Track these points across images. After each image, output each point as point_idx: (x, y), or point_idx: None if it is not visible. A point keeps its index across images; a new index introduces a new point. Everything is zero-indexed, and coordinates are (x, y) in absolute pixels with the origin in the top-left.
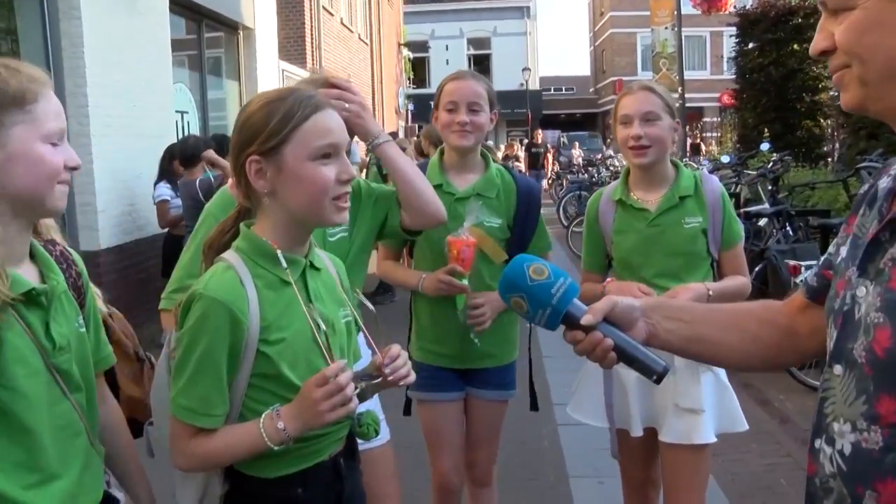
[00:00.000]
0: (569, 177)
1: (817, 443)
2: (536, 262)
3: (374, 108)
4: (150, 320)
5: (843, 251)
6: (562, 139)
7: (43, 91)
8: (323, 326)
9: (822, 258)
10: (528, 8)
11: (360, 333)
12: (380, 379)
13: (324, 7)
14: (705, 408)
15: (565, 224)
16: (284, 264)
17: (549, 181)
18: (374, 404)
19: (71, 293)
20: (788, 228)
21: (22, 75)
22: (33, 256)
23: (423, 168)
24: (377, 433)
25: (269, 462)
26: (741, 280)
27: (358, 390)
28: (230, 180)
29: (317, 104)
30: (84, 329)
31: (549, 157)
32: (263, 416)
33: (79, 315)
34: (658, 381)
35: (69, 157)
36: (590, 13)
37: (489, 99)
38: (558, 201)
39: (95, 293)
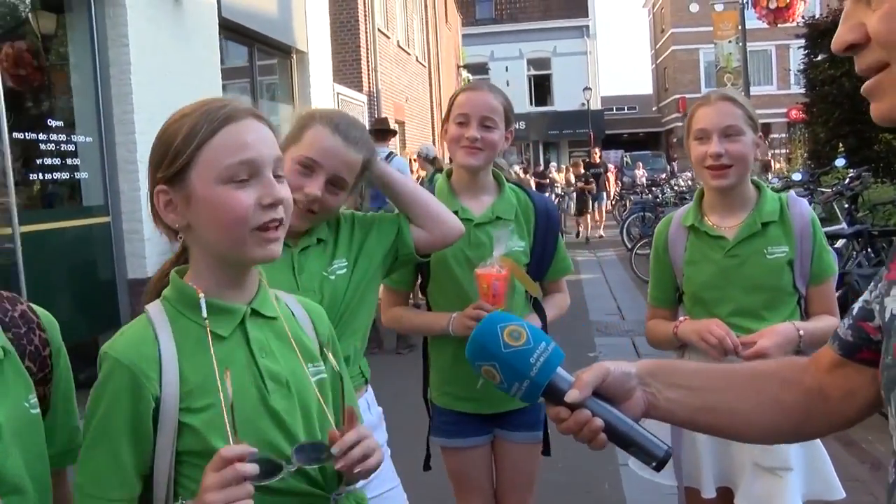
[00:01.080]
0: (632, 197)
1: None
2: (513, 322)
3: (433, 131)
4: None
5: (892, 304)
6: (625, 159)
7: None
8: (269, 385)
9: (857, 307)
10: (588, 27)
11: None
12: (323, 460)
13: (380, 30)
14: (792, 467)
15: (629, 246)
16: (204, 314)
17: (612, 202)
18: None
19: (26, 364)
20: (870, 250)
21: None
22: None
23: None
24: None
25: None
26: (832, 321)
27: (281, 475)
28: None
29: (228, 114)
30: (37, 411)
31: (611, 177)
32: None
33: (31, 393)
34: (658, 469)
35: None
36: (650, 31)
37: (505, 115)
38: (622, 223)
39: None
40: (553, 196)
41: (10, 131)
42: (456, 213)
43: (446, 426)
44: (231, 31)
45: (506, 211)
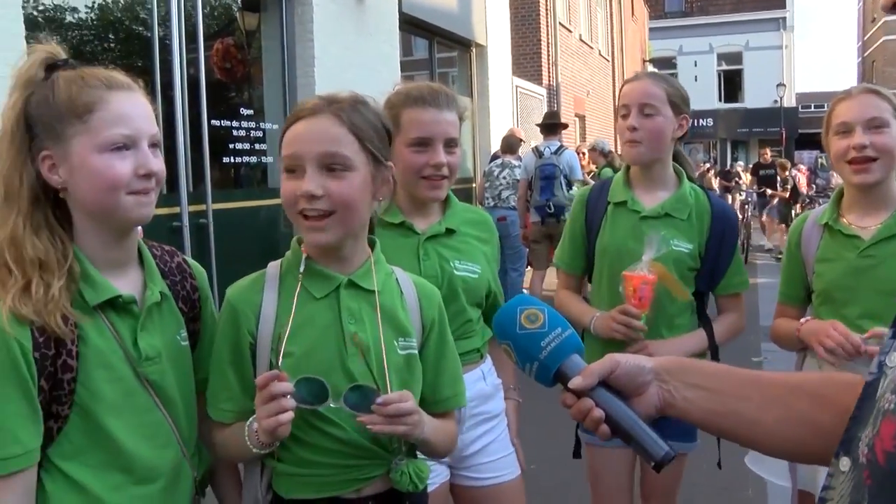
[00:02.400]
0: (820, 201)
1: None
2: (533, 306)
3: (614, 125)
4: None
5: None
6: (819, 160)
7: (104, 97)
8: (349, 349)
9: None
10: (785, 19)
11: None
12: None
13: (561, 23)
14: None
15: None
16: (301, 268)
17: (802, 205)
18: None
19: (179, 306)
20: None
21: (80, 84)
22: (143, 264)
23: (605, 186)
24: (416, 487)
25: (295, 481)
26: None
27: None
28: None
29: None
30: (186, 343)
31: (802, 179)
32: (250, 419)
33: (182, 329)
34: (658, 469)
35: (141, 164)
36: (859, 20)
37: (670, 100)
38: None
39: None
40: (738, 201)
41: (209, 119)
42: (626, 202)
43: None
44: (412, 25)
45: (678, 209)
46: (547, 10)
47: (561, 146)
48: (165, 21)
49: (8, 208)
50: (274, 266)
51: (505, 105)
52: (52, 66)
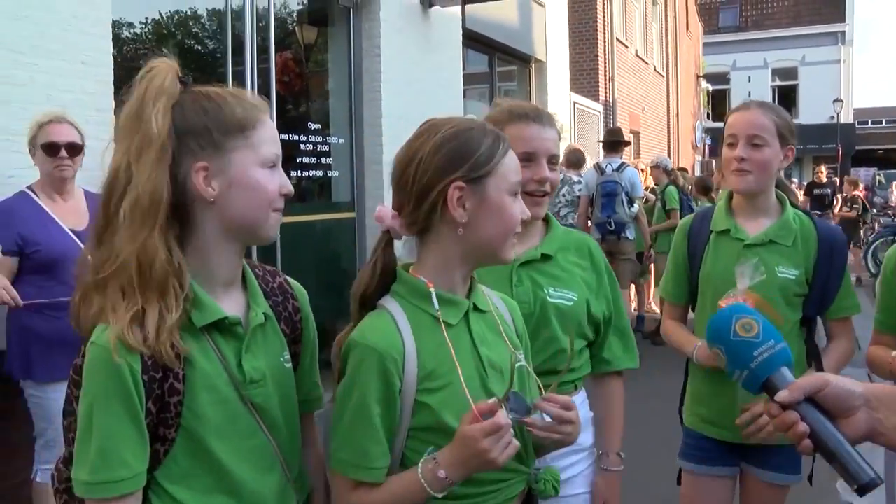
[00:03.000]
0: (881, 219)
1: None
2: (749, 316)
3: (668, 142)
4: None
5: None
6: (878, 178)
7: (261, 117)
8: (489, 371)
9: None
10: (843, 33)
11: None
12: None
13: (618, 39)
14: None
15: (873, 272)
16: (436, 306)
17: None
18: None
19: (282, 327)
20: None
21: (245, 102)
22: (246, 285)
23: (707, 214)
24: (557, 491)
25: None
26: None
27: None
28: (382, 209)
29: (507, 141)
30: (290, 365)
31: (862, 197)
32: (420, 463)
33: (285, 350)
34: (861, 494)
35: (283, 184)
36: None
37: (778, 132)
38: (866, 246)
39: None
40: None
41: (278, 132)
42: (729, 231)
43: (690, 450)
44: (473, 40)
45: (783, 236)
46: (604, 25)
47: (623, 163)
48: (239, 36)
49: (142, 223)
50: (390, 303)
51: (563, 121)
52: (180, 82)
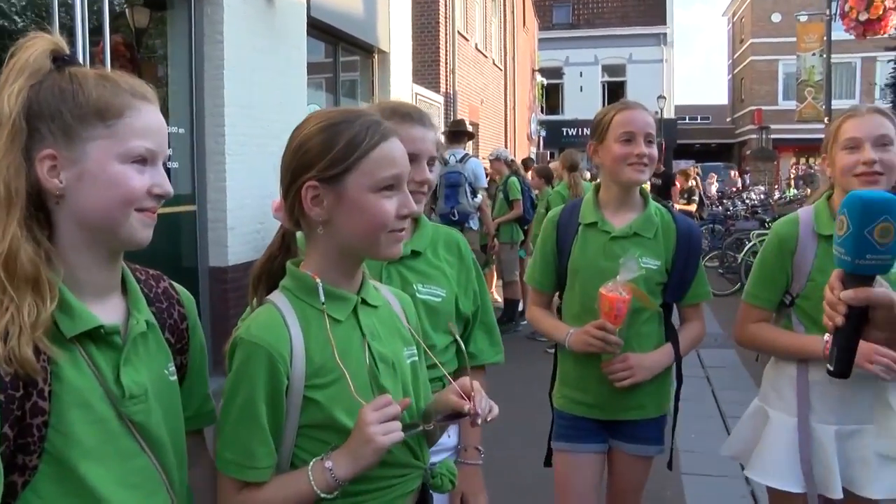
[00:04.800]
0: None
1: None
2: (892, 222)
3: (506, 134)
4: None
5: None
6: (695, 170)
7: (133, 105)
8: (380, 366)
9: None
10: (665, 35)
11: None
12: (444, 419)
13: (459, 32)
14: None
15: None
16: (322, 299)
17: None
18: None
19: (166, 336)
20: None
21: (110, 87)
22: (126, 290)
23: (575, 207)
24: (454, 485)
25: None
26: None
27: (421, 428)
28: (276, 199)
29: (385, 132)
30: (175, 378)
31: (714, 187)
32: (312, 461)
33: (169, 362)
34: (832, 376)
35: (156, 183)
36: (729, 40)
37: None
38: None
39: None
40: None
41: None
42: (596, 223)
43: (562, 429)
44: (318, 29)
45: (645, 228)
46: (446, 18)
47: (466, 154)
48: (69, 17)
49: (1, 214)
50: (278, 297)
51: None
52: (56, 59)
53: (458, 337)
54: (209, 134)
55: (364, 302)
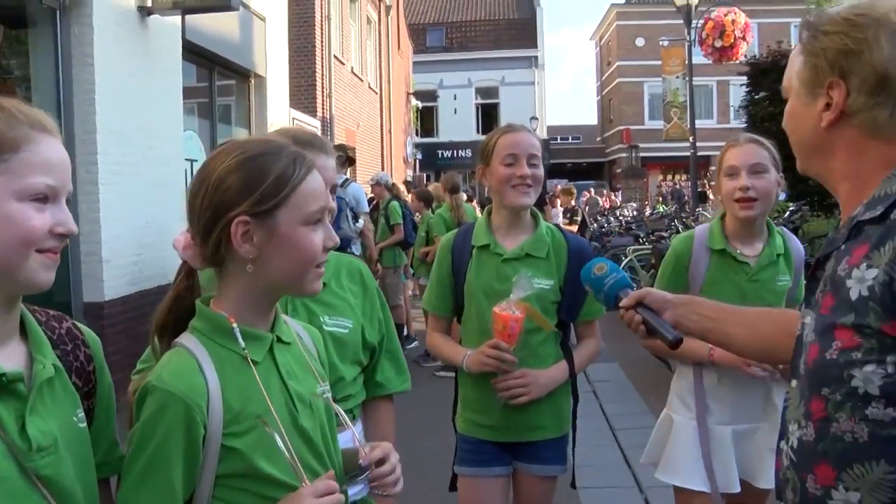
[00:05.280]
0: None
1: (781, 444)
2: (601, 262)
3: (382, 158)
4: None
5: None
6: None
7: (32, 138)
8: (298, 406)
9: (787, 279)
10: (537, 58)
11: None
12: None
13: (335, 56)
14: None
15: None
16: (242, 343)
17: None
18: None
19: (73, 380)
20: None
21: (4, 118)
22: (27, 334)
23: (468, 231)
24: None
25: None
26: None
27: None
28: (178, 237)
29: (309, 164)
30: (84, 425)
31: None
32: None
33: (78, 408)
34: (673, 347)
35: (59, 222)
36: (597, 63)
37: (542, 153)
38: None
39: None
40: None
41: None
42: (488, 245)
43: (465, 454)
44: (193, 53)
45: (537, 248)
46: (322, 41)
47: (346, 179)
48: None
49: None
50: (190, 340)
51: None
52: None
53: None
54: (80, 163)
55: (279, 339)
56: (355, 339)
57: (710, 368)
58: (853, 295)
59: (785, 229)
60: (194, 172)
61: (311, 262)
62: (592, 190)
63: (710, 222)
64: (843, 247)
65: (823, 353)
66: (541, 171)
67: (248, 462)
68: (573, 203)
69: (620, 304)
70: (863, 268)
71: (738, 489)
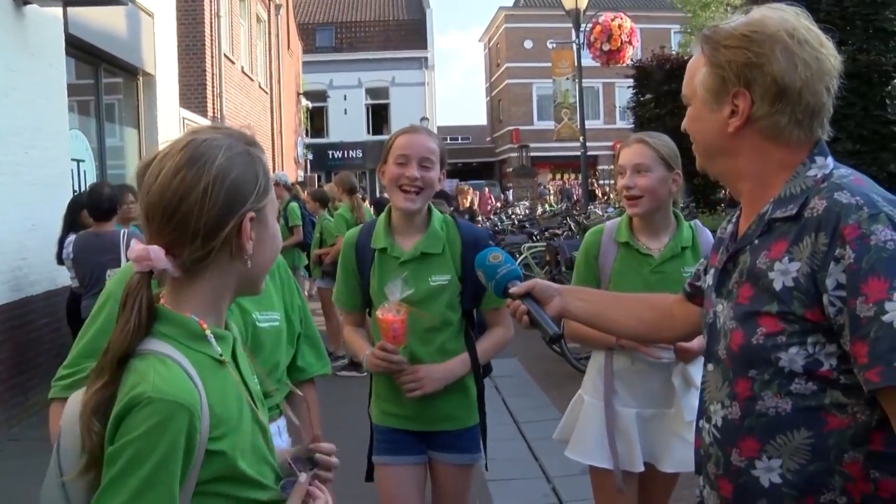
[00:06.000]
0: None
1: (700, 423)
2: (497, 252)
3: (273, 158)
4: (41, 385)
5: (709, 279)
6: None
7: None
8: (257, 403)
9: (693, 270)
10: (426, 59)
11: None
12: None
13: (225, 55)
14: None
15: None
16: (217, 347)
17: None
18: None
19: None
20: None
21: None
22: None
23: (370, 230)
24: None
25: None
26: None
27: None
28: (145, 249)
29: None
30: None
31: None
32: None
33: None
34: (549, 343)
35: None
36: (486, 64)
37: (441, 156)
38: None
39: None
40: None
41: None
42: (386, 249)
43: (381, 443)
44: (77, 48)
45: (431, 246)
46: (212, 41)
47: None
48: None
49: None
50: (166, 348)
51: (172, 136)
52: None
53: None
54: None
55: (234, 338)
56: (285, 330)
57: (621, 353)
58: (777, 286)
59: (698, 223)
60: (81, 173)
61: (277, 254)
62: (486, 189)
63: (619, 218)
64: (756, 242)
65: (749, 338)
66: (433, 175)
67: (230, 463)
68: (467, 202)
69: (509, 292)
70: (785, 261)
71: (641, 468)
